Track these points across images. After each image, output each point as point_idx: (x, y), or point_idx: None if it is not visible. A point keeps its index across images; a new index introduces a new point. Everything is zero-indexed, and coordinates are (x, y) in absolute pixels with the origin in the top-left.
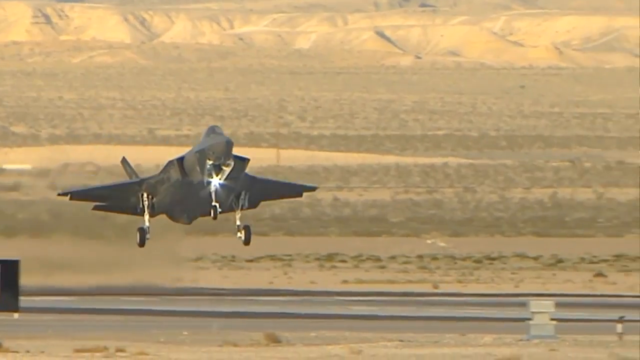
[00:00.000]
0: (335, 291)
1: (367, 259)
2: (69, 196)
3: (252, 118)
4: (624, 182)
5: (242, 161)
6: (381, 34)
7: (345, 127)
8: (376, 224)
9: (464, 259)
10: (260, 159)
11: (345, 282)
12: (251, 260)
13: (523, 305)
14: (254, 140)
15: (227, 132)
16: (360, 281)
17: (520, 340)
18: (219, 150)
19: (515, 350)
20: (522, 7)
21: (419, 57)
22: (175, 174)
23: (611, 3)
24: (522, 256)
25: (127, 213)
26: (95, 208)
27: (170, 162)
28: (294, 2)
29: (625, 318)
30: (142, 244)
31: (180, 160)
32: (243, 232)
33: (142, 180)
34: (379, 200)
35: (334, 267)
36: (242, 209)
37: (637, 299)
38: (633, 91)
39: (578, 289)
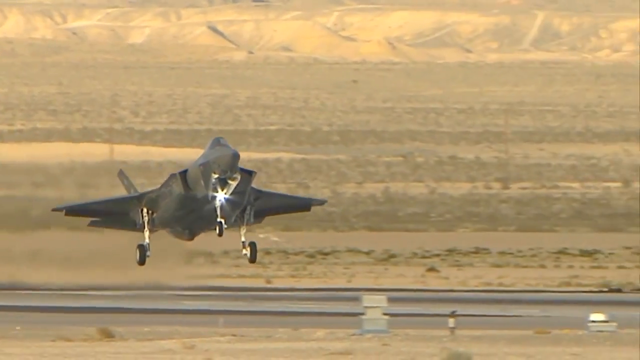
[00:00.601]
0: (169, 286)
1: (200, 253)
2: (63, 212)
3: (85, 113)
4: (455, 177)
5: (249, 174)
6: (214, 29)
7: (179, 122)
8: None
9: (296, 254)
10: (94, 155)
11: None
12: None
13: (356, 300)
14: (88, 136)
15: (59, 127)
16: (193, 276)
17: (353, 334)
18: (225, 163)
19: (348, 344)
20: (355, 2)
21: (252, 52)
22: (177, 188)
23: None
24: (354, 251)
25: (125, 229)
26: (92, 224)
27: (173, 175)
28: None
29: (457, 312)
30: (142, 262)
31: (184, 173)
32: (249, 249)
33: (142, 195)
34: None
35: None
36: (247, 224)
37: (469, 293)
38: (465, 86)
39: (410, 284)
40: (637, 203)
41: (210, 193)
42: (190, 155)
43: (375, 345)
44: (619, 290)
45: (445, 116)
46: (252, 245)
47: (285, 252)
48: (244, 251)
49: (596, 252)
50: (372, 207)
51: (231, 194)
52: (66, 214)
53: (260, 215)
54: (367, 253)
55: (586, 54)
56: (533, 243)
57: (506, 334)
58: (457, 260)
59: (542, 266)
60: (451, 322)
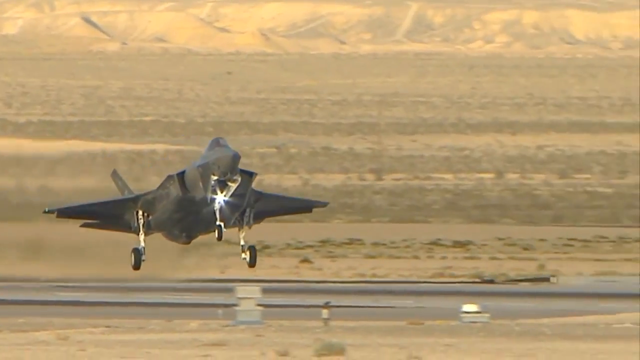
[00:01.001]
0: (43, 278)
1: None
2: (55, 214)
3: None
4: (329, 168)
5: (250, 176)
6: (88, 20)
7: (52, 114)
8: None
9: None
10: None
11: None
12: None
13: (230, 291)
14: None
15: None
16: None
17: (227, 325)
18: (224, 164)
19: (222, 335)
20: None
21: (126, 44)
22: (175, 190)
23: None
24: (227, 242)
25: (119, 231)
26: (84, 225)
27: (170, 176)
28: None
29: (331, 304)
30: (137, 266)
31: (181, 174)
32: (248, 253)
33: (138, 197)
34: (87, 187)
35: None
36: (246, 227)
37: (342, 284)
38: (338, 77)
39: (284, 275)
40: (510, 194)
41: (210, 195)
42: (63, 147)
43: (249, 337)
44: (491, 281)
45: (319, 107)
46: (252, 249)
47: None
48: (243, 255)
49: (469, 243)
50: None
51: (231, 196)
52: (58, 216)
53: (259, 217)
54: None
55: (459, 46)
56: (406, 234)
57: (380, 325)
58: (331, 252)
59: (416, 257)
60: (325, 313)
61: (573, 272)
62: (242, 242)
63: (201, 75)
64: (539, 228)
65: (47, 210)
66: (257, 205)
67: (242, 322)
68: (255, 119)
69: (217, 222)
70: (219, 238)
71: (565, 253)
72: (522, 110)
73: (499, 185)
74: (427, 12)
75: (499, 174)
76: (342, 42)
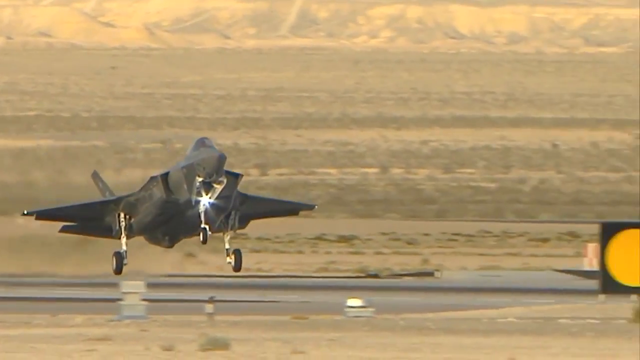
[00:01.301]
0: None
1: None
2: (34, 216)
3: None
4: None
5: (235, 177)
6: None
7: None
8: None
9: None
10: None
11: None
12: None
13: (114, 285)
14: None
15: None
16: None
17: (111, 320)
18: (210, 165)
19: (106, 330)
20: None
21: (11, 38)
22: (158, 192)
23: None
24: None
25: (100, 235)
26: (63, 229)
27: (153, 177)
28: None
29: (215, 298)
30: (119, 271)
31: (165, 176)
32: (233, 256)
33: (120, 199)
34: None
35: None
36: (231, 230)
37: (226, 279)
38: (223, 72)
39: (169, 269)
40: (394, 189)
41: (194, 197)
42: None
43: (133, 331)
44: (376, 276)
45: (203, 102)
46: (237, 253)
47: (44, 237)
48: (228, 259)
49: (353, 237)
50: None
51: (216, 198)
52: (37, 218)
53: (245, 220)
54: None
55: (344, 40)
56: (291, 229)
57: (264, 320)
58: (215, 246)
59: (300, 252)
60: (209, 307)
61: (457, 267)
62: (227, 246)
63: (86, 70)
64: (423, 223)
65: (26, 212)
66: (242, 208)
67: (127, 317)
68: (140, 113)
69: (202, 225)
70: (204, 241)
71: (449, 247)
72: (407, 105)
73: (383, 180)
74: (312, 7)
75: (383, 168)
76: (227, 37)
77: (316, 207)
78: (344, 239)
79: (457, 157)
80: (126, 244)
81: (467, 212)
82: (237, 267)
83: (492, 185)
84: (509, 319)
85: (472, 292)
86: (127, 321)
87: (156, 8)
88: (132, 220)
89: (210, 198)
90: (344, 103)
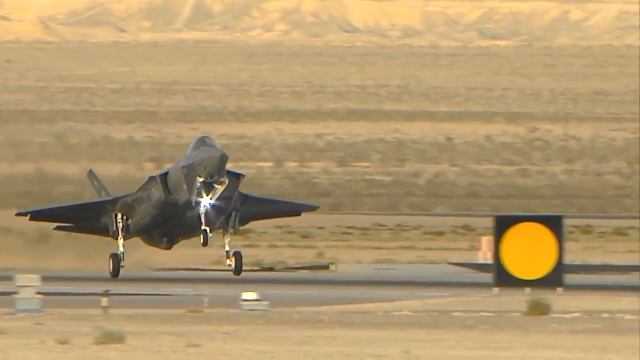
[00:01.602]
0: None
1: None
2: (28, 216)
3: None
4: (110, 157)
5: (237, 177)
6: None
7: None
8: None
9: None
10: None
11: None
12: None
13: (9, 279)
14: None
15: None
16: None
17: (6, 314)
18: (211, 165)
19: (1, 324)
20: None
21: None
22: (157, 192)
23: None
24: (6, 230)
25: (96, 234)
26: (58, 228)
27: (152, 177)
28: None
29: (110, 291)
30: (115, 274)
31: (164, 176)
32: (234, 259)
33: (117, 199)
34: None
35: None
36: (231, 231)
37: (123, 272)
38: (118, 65)
39: (64, 263)
40: (289, 182)
41: (194, 198)
42: None
43: (28, 325)
44: (270, 269)
45: (98, 96)
46: (237, 255)
47: None
48: (228, 262)
49: (249, 231)
50: (23, 187)
51: (217, 199)
52: (31, 219)
53: (245, 221)
54: (22, 233)
55: (238, 34)
56: None
57: (159, 313)
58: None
59: (195, 245)
60: (104, 301)
61: (352, 260)
62: (227, 248)
63: None
64: (318, 216)
65: (19, 212)
66: (243, 209)
67: (22, 310)
68: (34, 107)
69: (202, 227)
70: (204, 243)
71: (344, 241)
72: (301, 98)
73: (277, 173)
74: (207, 1)
75: (278, 162)
76: (122, 30)
77: (318, 207)
78: (239, 232)
79: (352, 150)
80: (123, 246)
81: (361, 206)
82: (238, 269)
83: (387, 178)
84: (404, 312)
85: (367, 286)
86: (22, 314)
87: (51, 1)
88: (130, 221)
89: (211, 199)
90: (239, 96)
